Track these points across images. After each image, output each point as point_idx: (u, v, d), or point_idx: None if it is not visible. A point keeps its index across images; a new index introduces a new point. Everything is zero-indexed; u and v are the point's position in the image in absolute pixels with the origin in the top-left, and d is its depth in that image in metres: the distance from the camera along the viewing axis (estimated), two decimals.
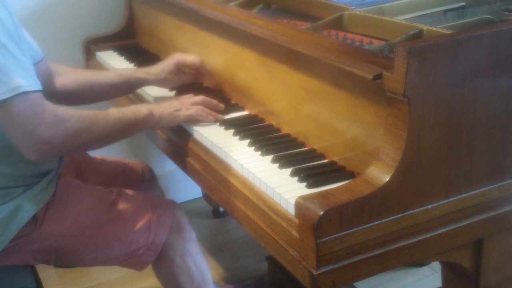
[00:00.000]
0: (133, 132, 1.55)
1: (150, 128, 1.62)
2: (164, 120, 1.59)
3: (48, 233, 1.51)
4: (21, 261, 1.54)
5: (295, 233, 1.15)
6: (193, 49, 1.95)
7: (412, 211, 1.16)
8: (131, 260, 1.61)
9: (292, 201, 1.18)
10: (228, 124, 1.59)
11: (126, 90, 1.86)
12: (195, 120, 1.62)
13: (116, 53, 2.33)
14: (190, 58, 1.87)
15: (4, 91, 1.28)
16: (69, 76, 1.74)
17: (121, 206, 1.61)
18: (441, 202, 1.19)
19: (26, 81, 1.31)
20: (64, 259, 1.59)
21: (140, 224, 1.59)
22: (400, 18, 1.51)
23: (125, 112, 1.52)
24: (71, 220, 1.54)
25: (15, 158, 1.46)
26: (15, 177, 1.47)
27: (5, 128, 1.34)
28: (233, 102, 1.75)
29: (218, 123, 1.61)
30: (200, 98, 1.66)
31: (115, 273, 2.30)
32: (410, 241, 1.17)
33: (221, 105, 1.68)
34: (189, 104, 1.63)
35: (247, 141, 1.49)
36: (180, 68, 1.87)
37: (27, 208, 1.47)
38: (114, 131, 1.49)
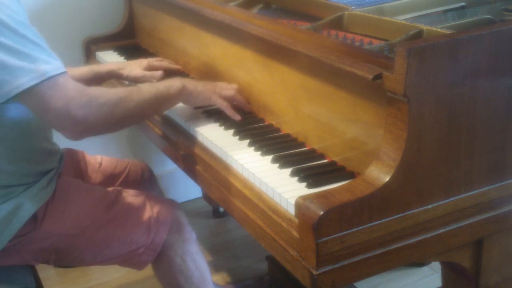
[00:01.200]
0: (166, 106, 1.58)
1: (182, 102, 1.63)
2: (197, 97, 1.61)
3: (48, 232, 1.51)
4: (21, 261, 1.54)
5: (295, 233, 1.15)
6: (193, 49, 1.96)
7: (412, 211, 1.16)
8: (131, 260, 1.61)
9: (292, 201, 1.18)
10: (228, 124, 1.59)
11: (97, 83, 1.85)
12: (222, 108, 1.62)
13: (116, 53, 2.33)
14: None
15: (32, 78, 1.31)
16: None
17: (121, 205, 1.61)
18: (441, 202, 1.19)
19: (52, 65, 1.34)
20: (64, 259, 1.59)
21: (140, 223, 1.59)
22: (400, 18, 1.51)
23: (157, 86, 1.55)
24: (71, 219, 1.54)
25: (16, 156, 1.47)
26: (16, 175, 1.47)
27: (40, 114, 1.36)
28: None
29: (218, 123, 1.61)
30: (234, 89, 1.66)
31: (115, 273, 2.30)
32: (410, 241, 1.17)
33: (248, 106, 1.66)
34: (224, 91, 1.64)
35: (247, 141, 1.49)
36: (150, 69, 1.90)
37: (27, 207, 1.47)
38: (147, 105, 1.50)
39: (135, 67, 1.89)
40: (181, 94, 1.58)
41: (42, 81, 1.31)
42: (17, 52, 1.31)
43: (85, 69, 1.86)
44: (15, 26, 1.31)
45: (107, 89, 1.44)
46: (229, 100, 1.64)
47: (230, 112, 1.62)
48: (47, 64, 1.33)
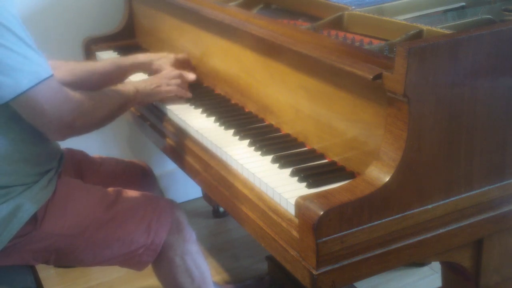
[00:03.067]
0: (126, 109, 1.70)
1: (138, 104, 1.78)
2: (148, 96, 1.73)
3: (48, 232, 1.51)
4: (21, 261, 1.54)
5: (295, 233, 1.15)
6: (193, 49, 1.96)
7: (412, 211, 1.16)
8: (131, 260, 1.61)
9: (292, 201, 1.18)
10: (228, 124, 1.59)
11: (120, 76, 1.88)
12: (174, 96, 1.77)
13: (116, 53, 2.33)
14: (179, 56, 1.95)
15: (30, 80, 1.36)
16: (63, 69, 1.76)
17: (121, 205, 1.61)
18: (441, 202, 1.19)
19: (44, 68, 1.40)
20: (64, 259, 1.59)
21: (140, 223, 1.59)
22: (400, 18, 1.51)
23: (118, 91, 1.65)
24: (71, 219, 1.54)
25: (15, 157, 1.47)
26: (15, 176, 1.47)
27: (32, 117, 1.42)
28: (233, 102, 1.75)
29: (218, 123, 1.61)
30: (177, 72, 1.80)
31: (115, 273, 2.30)
32: (410, 241, 1.17)
33: (192, 76, 1.84)
34: (168, 80, 1.77)
35: (247, 141, 1.49)
36: (176, 66, 1.90)
37: (27, 207, 1.47)
38: (116, 110, 1.62)
39: (164, 62, 1.90)
40: (136, 97, 1.69)
41: (38, 83, 1.36)
42: (17, 54, 1.35)
43: (107, 62, 1.88)
44: (14, 29, 1.35)
45: (86, 94, 1.51)
46: (171, 93, 1.77)
47: (182, 93, 1.78)
48: (40, 66, 1.38)
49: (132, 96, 1.67)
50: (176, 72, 1.81)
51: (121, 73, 1.88)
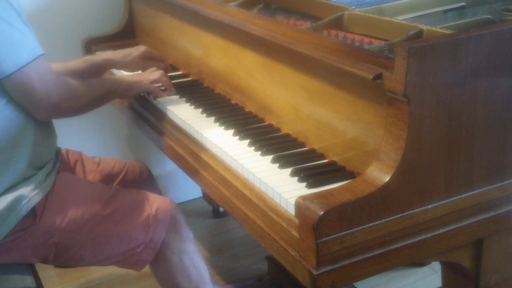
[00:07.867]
0: (109, 100, 1.73)
1: (121, 96, 1.82)
2: (131, 89, 1.78)
3: (47, 226, 1.51)
4: (21, 258, 1.54)
5: (295, 233, 1.15)
6: (193, 49, 1.96)
7: (412, 211, 1.16)
8: (130, 259, 1.61)
9: (292, 201, 1.18)
10: (228, 124, 1.59)
11: (95, 73, 1.90)
12: (157, 84, 1.82)
13: None
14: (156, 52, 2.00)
15: (28, 55, 1.42)
16: None
17: (120, 202, 1.61)
18: (441, 202, 1.19)
19: (38, 45, 1.45)
20: (63, 256, 1.58)
21: (138, 220, 1.59)
22: (400, 18, 1.51)
23: (103, 82, 1.73)
24: (70, 214, 1.54)
25: (11, 163, 1.47)
26: (13, 168, 1.49)
27: (22, 94, 1.45)
28: (233, 102, 1.75)
29: (218, 123, 1.61)
30: (159, 71, 1.84)
31: (115, 273, 2.30)
32: (410, 241, 1.17)
33: (172, 88, 1.85)
34: (151, 76, 1.82)
35: (247, 141, 1.49)
36: (146, 56, 1.97)
37: (25, 201, 1.47)
38: (98, 97, 1.65)
39: (135, 55, 1.95)
40: (119, 88, 1.73)
41: (34, 59, 1.41)
42: (17, 30, 1.41)
43: (79, 61, 1.90)
44: (14, 4, 1.41)
45: (73, 80, 1.56)
46: (157, 82, 1.82)
47: (158, 94, 1.82)
48: (34, 43, 1.45)
49: (114, 87, 1.71)
50: (159, 71, 1.85)
51: (97, 70, 1.90)
